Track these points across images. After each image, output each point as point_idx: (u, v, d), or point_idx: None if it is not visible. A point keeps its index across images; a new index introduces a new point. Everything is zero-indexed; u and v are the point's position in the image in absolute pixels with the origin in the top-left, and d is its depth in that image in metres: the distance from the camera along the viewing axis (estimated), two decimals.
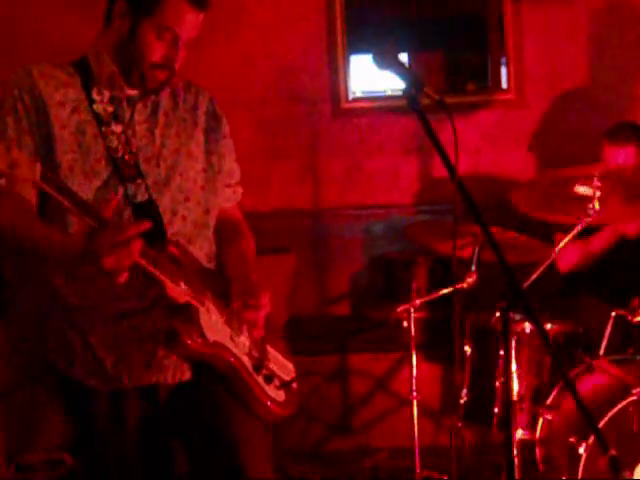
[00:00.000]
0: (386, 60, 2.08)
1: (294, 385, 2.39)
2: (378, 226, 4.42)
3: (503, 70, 4.52)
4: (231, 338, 2.24)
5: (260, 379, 2.28)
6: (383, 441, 4.19)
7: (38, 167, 1.82)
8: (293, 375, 2.41)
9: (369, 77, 4.58)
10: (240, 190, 2.56)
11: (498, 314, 3.22)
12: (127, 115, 2.27)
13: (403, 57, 4.81)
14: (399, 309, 3.40)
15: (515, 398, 3.21)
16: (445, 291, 3.33)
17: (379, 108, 4.46)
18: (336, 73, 4.39)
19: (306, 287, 4.39)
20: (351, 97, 4.46)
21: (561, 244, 3.23)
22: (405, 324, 3.92)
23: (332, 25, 4.38)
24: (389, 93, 4.59)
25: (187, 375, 2.27)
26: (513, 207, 3.70)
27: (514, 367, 3.22)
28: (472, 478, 3.62)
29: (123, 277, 1.95)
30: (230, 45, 4.26)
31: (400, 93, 4.26)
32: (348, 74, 4.43)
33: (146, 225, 1.94)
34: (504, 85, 4.49)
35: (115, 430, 2.23)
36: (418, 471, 3.35)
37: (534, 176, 4.24)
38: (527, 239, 3.30)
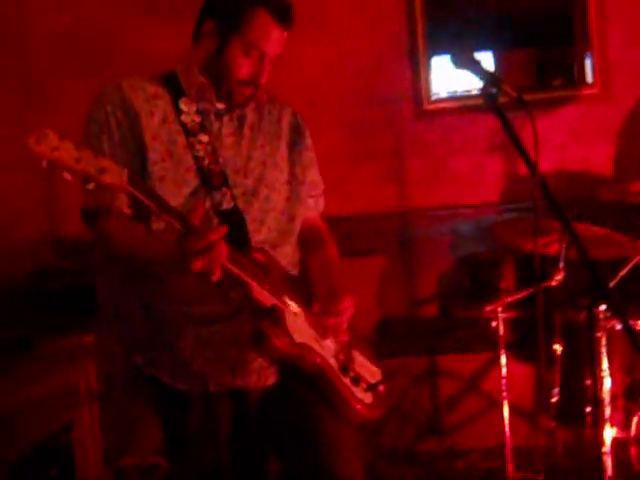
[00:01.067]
0: (463, 59, 2.09)
1: (381, 388, 2.40)
2: (465, 226, 4.38)
3: (588, 64, 4.44)
4: (317, 341, 2.27)
5: (347, 381, 2.31)
6: (474, 442, 4.16)
7: (125, 172, 1.88)
8: (380, 378, 2.42)
9: (451, 77, 4.55)
10: (322, 201, 2.61)
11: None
12: (215, 127, 2.34)
13: (488, 56, 4.77)
14: (487, 309, 3.38)
15: (607, 396, 3.16)
16: (532, 290, 3.29)
17: (461, 107, 4.41)
18: (417, 74, 4.37)
19: (395, 289, 4.39)
20: (433, 98, 4.43)
21: None
22: (494, 324, 3.91)
23: (413, 26, 4.37)
24: (473, 92, 4.55)
25: (271, 380, 2.31)
26: (601, 202, 3.65)
27: (606, 364, 3.17)
28: (566, 479, 3.57)
29: (216, 276, 1.98)
30: (310, 50, 4.29)
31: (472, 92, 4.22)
32: (429, 75, 4.41)
33: (224, 230, 1.97)
34: (589, 79, 4.40)
35: (207, 432, 2.27)
36: (511, 472, 3.33)
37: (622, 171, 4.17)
38: (616, 235, 3.23)
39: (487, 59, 4.74)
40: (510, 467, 3.33)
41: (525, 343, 3.85)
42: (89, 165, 1.82)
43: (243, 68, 2.27)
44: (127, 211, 2.19)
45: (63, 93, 4.35)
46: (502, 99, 2.30)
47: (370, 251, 4.26)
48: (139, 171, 2.21)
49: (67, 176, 1.82)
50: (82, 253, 4.43)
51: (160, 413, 2.36)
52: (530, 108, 2.13)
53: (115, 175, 1.86)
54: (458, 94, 4.52)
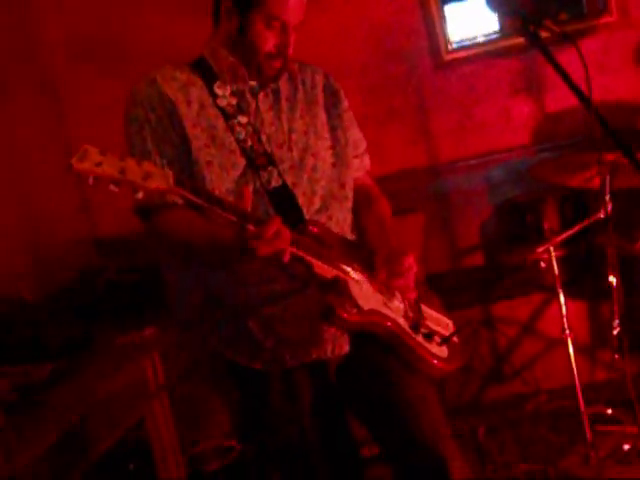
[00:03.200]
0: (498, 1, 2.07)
1: (455, 339, 2.41)
2: (498, 171, 4.36)
3: None
4: (385, 304, 2.27)
5: (420, 338, 2.31)
6: (538, 385, 4.17)
7: (170, 174, 1.90)
8: (453, 329, 2.43)
9: (466, 24, 4.51)
10: (367, 159, 2.60)
11: None
12: (252, 106, 2.33)
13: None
14: (539, 249, 3.37)
15: None
16: (582, 224, 3.28)
17: (480, 54, 4.38)
18: (432, 26, 4.33)
19: (436, 243, 4.38)
20: (450, 48, 4.40)
21: None
22: (543, 265, 3.89)
23: None
24: (490, 37, 4.50)
25: (345, 349, 2.32)
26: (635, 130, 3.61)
27: None
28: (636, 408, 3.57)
29: (286, 257, 2.00)
30: (323, 16, 4.24)
31: (497, 36, 4.18)
32: (444, 25, 4.37)
33: (279, 218, 1.98)
34: (604, 7, 4.33)
35: (290, 408, 2.29)
36: (583, 409, 3.33)
37: None
38: None
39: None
40: (581, 403, 3.32)
41: (578, 280, 3.83)
42: (134, 174, 1.84)
43: (269, 41, 2.25)
44: (181, 202, 2.19)
45: (87, 94, 4.35)
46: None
47: (407, 210, 4.23)
48: (186, 162, 2.21)
49: (114, 189, 1.84)
50: (122, 250, 4.48)
51: (240, 395, 2.37)
52: (575, 40, 2.10)
53: (161, 179, 1.88)
54: (480, 40, 4.47)
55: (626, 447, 3.38)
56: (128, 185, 1.85)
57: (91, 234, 4.53)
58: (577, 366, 3.43)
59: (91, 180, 1.82)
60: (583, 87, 4.35)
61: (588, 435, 3.34)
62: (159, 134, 2.24)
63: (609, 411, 3.67)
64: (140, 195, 1.88)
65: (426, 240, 4.34)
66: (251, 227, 1.96)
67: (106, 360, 3.15)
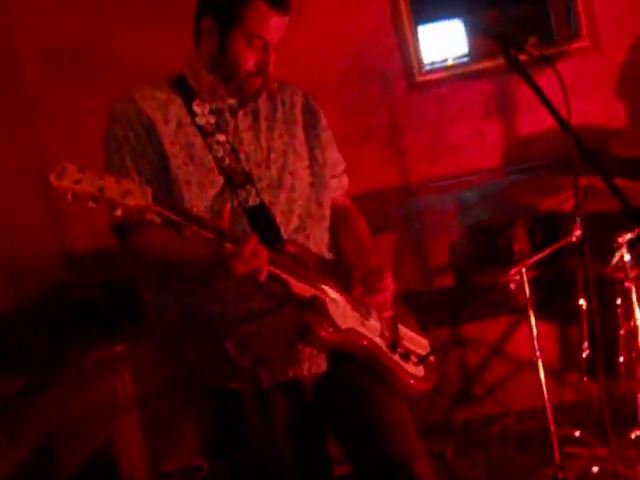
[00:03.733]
0: (486, 26, 2.09)
1: (431, 358, 2.41)
2: (470, 193, 4.39)
3: (571, 18, 4.43)
4: (362, 323, 2.28)
5: (397, 357, 2.32)
6: (507, 406, 4.19)
7: (149, 191, 1.90)
8: (429, 349, 2.43)
9: (438, 45, 4.56)
10: (346, 179, 2.62)
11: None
12: (231, 125, 2.33)
13: (457, 23, 4.76)
14: (512, 271, 3.39)
15: None
16: (557, 246, 3.31)
17: (453, 76, 4.42)
18: (406, 48, 4.36)
19: (408, 263, 4.40)
20: (424, 69, 4.43)
21: None
22: (513, 287, 3.92)
23: (395, 0, 4.35)
24: (462, 59, 4.56)
25: (322, 367, 2.32)
26: (608, 154, 3.65)
27: (638, 313, 3.20)
28: (604, 430, 3.60)
29: (262, 276, 2.00)
30: (298, 34, 4.24)
31: (467, 59, 4.22)
32: (418, 47, 4.41)
33: (256, 236, 1.98)
34: (576, 33, 4.39)
35: (265, 427, 2.27)
36: (553, 430, 3.35)
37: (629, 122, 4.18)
38: (630, 184, 3.23)
39: (457, 27, 4.74)
40: (552, 425, 3.34)
41: (547, 302, 3.86)
42: (112, 192, 1.84)
43: (249, 60, 2.26)
44: (158, 220, 2.19)
45: (58, 106, 4.34)
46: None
47: (379, 229, 4.24)
48: (164, 181, 2.21)
49: (92, 205, 1.84)
50: (93, 266, 4.45)
51: (214, 414, 2.35)
52: (555, 65, 2.13)
53: (140, 196, 1.88)
54: (448, 62, 4.53)
55: (595, 469, 3.40)
56: (107, 202, 1.85)
57: (62, 249, 4.49)
58: (546, 388, 3.45)
59: (69, 197, 1.82)
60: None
61: (557, 457, 3.36)
62: (137, 152, 2.23)
63: (577, 433, 3.70)
64: (119, 212, 1.88)
65: (397, 260, 4.36)
66: (228, 245, 1.96)
67: (76, 376, 3.12)
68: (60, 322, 3.86)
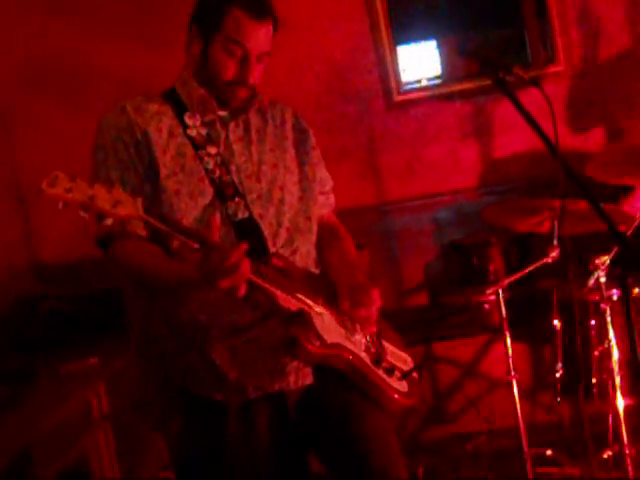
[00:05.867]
0: (473, 48, 2.11)
1: (414, 374, 2.42)
2: (445, 213, 4.43)
3: (547, 42, 4.49)
4: (347, 338, 2.28)
5: (381, 372, 2.32)
6: (479, 425, 4.20)
7: (140, 202, 1.90)
8: (412, 365, 2.44)
9: (416, 66, 4.61)
10: (333, 197, 2.63)
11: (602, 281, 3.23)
12: (222, 136, 2.34)
13: (431, 44, 4.81)
14: (488, 291, 3.41)
15: (616, 366, 3.23)
16: (533, 267, 3.33)
17: (431, 97, 4.46)
18: (385, 67, 4.40)
19: (381, 282, 4.37)
20: (402, 89, 4.47)
21: None
22: (487, 306, 3.95)
23: (375, 20, 4.38)
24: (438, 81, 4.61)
25: (309, 380, 2.31)
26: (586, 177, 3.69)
27: (611, 334, 3.23)
28: (576, 451, 3.62)
29: (242, 291, 2.00)
30: (279, 53, 4.23)
31: (440, 80, 4.26)
32: (397, 67, 4.44)
33: (244, 246, 1.98)
34: (552, 57, 4.44)
35: (246, 439, 2.26)
36: (526, 449, 3.36)
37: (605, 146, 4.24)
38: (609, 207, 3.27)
39: (431, 48, 4.79)
40: (525, 444, 3.35)
41: (520, 323, 3.88)
42: (103, 201, 1.85)
43: (228, 69, 2.26)
44: (143, 233, 2.18)
45: (34, 119, 4.32)
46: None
47: (356, 246, 4.27)
48: (149, 193, 2.21)
49: (83, 215, 1.85)
50: (64, 277, 4.41)
51: (191, 426, 2.34)
52: (542, 88, 2.16)
53: (130, 206, 1.89)
54: (425, 83, 4.58)
55: None
56: (98, 212, 1.86)
57: (32, 261, 4.45)
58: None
59: (61, 205, 1.82)
60: (531, 135, 4.46)
61: (530, 475, 3.37)
62: (124, 163, 2.23)
63: (549, 452, 3.72)
64: (109, 222, 1.89)
65: (371, 277, 4.36)
66: (214, 256, 1.95)
67: (49, 390, 3.09)
68: (31, 335, 3.83)
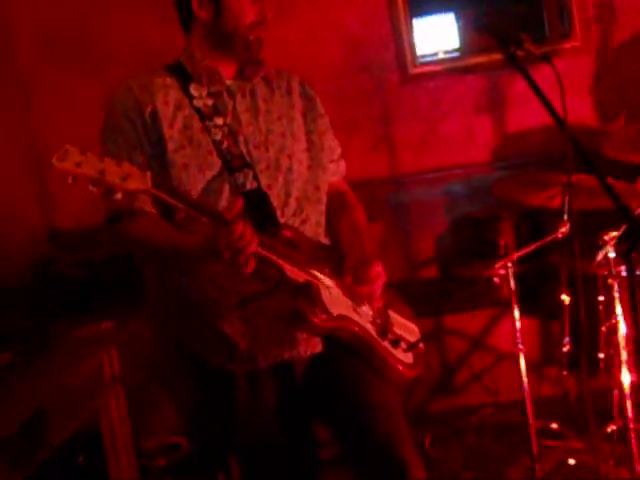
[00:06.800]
0: (486, 22, 2.13)
1: (421, 345, 2.46)
2: (457, 186, 4.43)
3: (565, 17, 4.47)
4: (353, 309, 2.31)
5: (387, 344, 2.36)
6: (485, 398, 4.25)
7: (149, 175, 1.93)
8: (418, 336, 2.47)
9: (433, 38, 4.60)
10: (344, 164, 2.64)
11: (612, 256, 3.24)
12: (229, 107, 2.36)
13: (449, 18, 4.79)
14: (497, 265, 3.43)
15: (623, 342, 3.25)
16: (543, 242, 3.36)
17: (447, 70, 4.45)
18: (401, 40, 4.39)
19: (393, 253, 4.43)
20: (417, 62, 4.46)
21: None
22: (496, 280, 3.97)
23: None
24: (455, 54, 4.60)
25: (319, 348, 2.35)
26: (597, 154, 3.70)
27: (619, 310, 3.25)
28: (580, 425, 3.66)
29: (250, 266, 2.03)
30: (294, 23, 4.30)
31: (458, 54, 4.24)
32: (413, 39, 4.44)
33: (239, 204, 2.00)
34: (568, 32, 4.43)
35: (255, 407, 2.31)
36: (532, 422, 3.40)
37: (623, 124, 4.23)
38: (620, 183, 3.27)
39: (449, 20, 4.77)
40: (531, 417, 3.39)
41: (529, 297, 3.91)
42: (113, 175, 1.86)
43: (248, 10, 2.30)
44: (150, 208, 2.23)
45: (52, 86, 4.35)
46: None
47: (369, 218, 4.29)
48: (158, 170, 2.23)
49: (93, 189, 1.86)
50: (78, 243, 4.45)
51: (203, 394, 2.39)
52: (552, 63, 2.17)
53: (139, 180, 1.91)
54: (441, 56, 4.57)
55: (571, 461, 3.46)
56: (107, 186, 1.87)
57: (48, 226, 4.50)
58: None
59: (70, 180, 1.84)
60: (543, 110, 4.46)
61: (534, 448, 3.41)
62: (131, 142, 2.27)
63: (554, 426, 3.76)
64: (119, 196, 1.90)
65: (383, 249, 4.39)
66: (222, 230, 1.98)
67: (63, 352, 3.13)
68: (46, 299, 3.87)
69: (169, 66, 2.40)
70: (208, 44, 2.35)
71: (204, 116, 2.31)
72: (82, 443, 3.31)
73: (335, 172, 2.59)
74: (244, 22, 2.30)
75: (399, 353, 2.38)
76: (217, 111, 2.33)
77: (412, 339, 2.44)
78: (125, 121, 2.27)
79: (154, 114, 2.27)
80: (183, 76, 2.36)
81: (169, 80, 2.34)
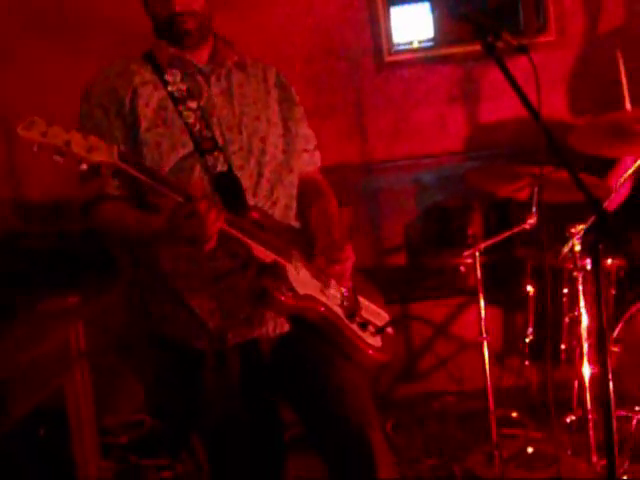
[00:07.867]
0: (463, 11, 2.14)
1: (389, 330, 2.48)
2: (428, 175, 4.47)
3: (540, 12, 4.50)
4: (321, 291, 2.33)
5: (355, 326, 2.38)
6: (448, 385, 4.29)
7: (115, 149, 1.96)
8: (387, 321, 2.49)
9: (408, 27, 4.60)
10: (318, 155, 2.67)
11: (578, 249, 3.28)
12: (204, 89, 2.38)
13: (424, 6, 4.80)
14: (465, 254, 3.46)
15: (585, 334, 3.30)
16: (511, 232, 3.40)
17: (421, 59, 4.48)
18: (377, 27, 4.40)
19: (361, 240, 4.45)
20: (393, 50, 4.48)
21: (621, 180, 3.33)
22: (463, 269, 4.01)
23: None
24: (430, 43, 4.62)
25: (286, 328, 2.37)
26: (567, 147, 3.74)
27: (582, 303, 3.30)
28: (540, 415, 3.70)
29: (209, 245, 2.06)
30: (271, 6, 4.31)
31: (432, 43, 4.25)
32: (390, 27, 4.45)
33: (203, 184, 2.07)
34: (543, 27, 4.46)
35: (222, 386, 2.32)
36: (492, 409, 3.44)
37: (590, 117, 4.27)
38: (590, 178, 3.30)
39: (425, 10, 4.78)
40: (492, 405, 3.43)
41: (494, 287, 3.94)
42: (78, 146, 1.90)
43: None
44: (116, 192, 2.26)
45: (24, 58, 4.31)
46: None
47: (339, 204, 4.31)
48: (132, 146, 2.27)
49: (58, 159, 1.90)
50: (47, 216, 4.43)
51: (173, 374, 2.40)
52: (529, 55, 2.19)
53: (105, 153, 1.94)
54: (416, 45, 4.58)
55: (530, 450, 3.51)
56: (72, 156, 1.90)
57: (16, 198, 4.47)
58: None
59: (35, 148, 1.87)
60: (517, 103, 4.48)
61: (494, 436, 3.45)
62: (101, 128, 2.28)
63: (514, 414, 3.81)
64: (84, 167, 1.92)
65: (352, 235, 4.41)
66: (187, 205, 2.01)
67: (28, 326, 3.12)
68: (12, 272, 3.85)
69: (144, 55, 2.44)
70: (159, 35, 2.41)
71: (177, 100, 2.34)
72: (45, 417, 3.30)
73: (310, 162, 2.62)
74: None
75: (368, 336, 2.39)
76: (191, 95, 2.36)
77: (380, 324, 2.46)
78: (97, 108, 2.32)
79: (134, 97, 2.31)
80: (155, 64, 2.40)
81: (144, 67, 2.38)
